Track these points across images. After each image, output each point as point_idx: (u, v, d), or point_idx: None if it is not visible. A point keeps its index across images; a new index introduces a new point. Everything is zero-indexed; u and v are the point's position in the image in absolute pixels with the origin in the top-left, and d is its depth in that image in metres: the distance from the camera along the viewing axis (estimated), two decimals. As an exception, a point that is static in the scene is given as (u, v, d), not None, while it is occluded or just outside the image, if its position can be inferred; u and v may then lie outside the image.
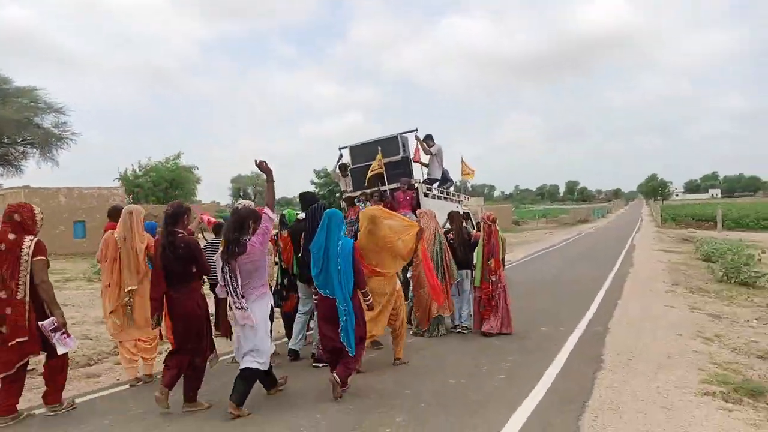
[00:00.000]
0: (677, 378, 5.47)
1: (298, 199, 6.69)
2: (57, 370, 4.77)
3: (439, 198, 10.97)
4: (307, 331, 6.72)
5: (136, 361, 5.61)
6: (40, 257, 4.58)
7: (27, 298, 4.52)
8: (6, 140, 35.13)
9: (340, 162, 11.57)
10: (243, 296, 4.51)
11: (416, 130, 10.99)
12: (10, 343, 4.43)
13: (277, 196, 6.13)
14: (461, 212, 9.81)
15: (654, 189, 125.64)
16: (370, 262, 5.67)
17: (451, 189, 12.02)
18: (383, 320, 5.98)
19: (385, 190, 10.20)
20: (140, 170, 43.00)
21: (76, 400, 5.03)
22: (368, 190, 10.67)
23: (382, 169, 10.06)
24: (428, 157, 11.07)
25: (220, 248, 4.69)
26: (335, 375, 4.87)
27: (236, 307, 4.54)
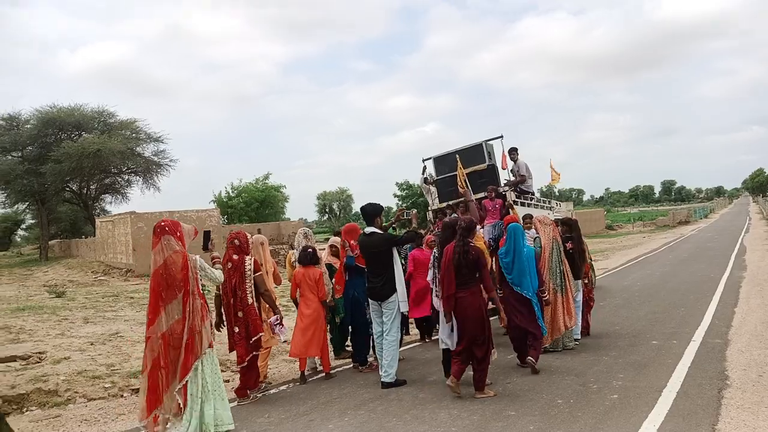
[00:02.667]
0: (820, 397, 4.86)
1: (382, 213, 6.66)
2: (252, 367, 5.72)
3: (529, 205, 10.59)
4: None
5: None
6: (259, 272, 5.72)
7: (256, 303, 5.66)
8: (113, 170, 38.07)
9: (425, 173, 11.48)
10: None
11: (502, 137, 10.72)
12: (252, 339, 5.56)
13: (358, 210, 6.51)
14: (553, 219, 9.39)
15: (761, 184, 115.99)
16: None
17: (536, 195, 11.59)
18: None
19: (472, 200, 9.98)
20: (233, 192, 45.08)
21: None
22: (452, 202, 10.51)
23: (462, 182, 9.86)
24: (516, 166, 10.75)
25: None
26: (531, 358, 6.04)
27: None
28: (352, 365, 6.92)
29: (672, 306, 9.91)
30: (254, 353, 5.63)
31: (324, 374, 6.58)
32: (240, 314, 5.57)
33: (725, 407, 4.69)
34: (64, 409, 5.97)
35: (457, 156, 10.25)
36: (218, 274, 4.92)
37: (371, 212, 6.30)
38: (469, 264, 5.38)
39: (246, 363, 5.59)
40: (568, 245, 7.52)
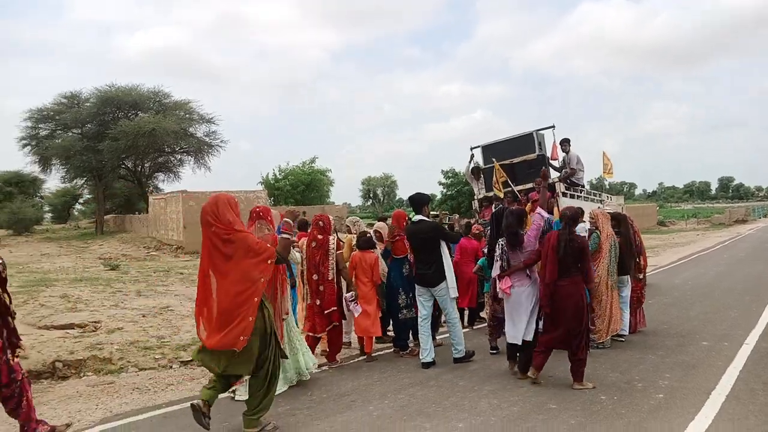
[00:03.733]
0: None
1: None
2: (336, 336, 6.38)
3: (579, 198, 10.37)
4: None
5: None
6: (340, 251, 6.31)
7: (335, 279, 6.23)
8: (167, 149, 39.21)
9: (472, 162, 11.38)
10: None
11: (553, 126, 10.49)
12: (325, 312, 6.16)
13: (404, 196, 6.67)
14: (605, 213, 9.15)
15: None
16: None
17: (586, 187, 11.31)
18: None
19: (520, 191, 9.85)
20: (280, 174, 45.79)
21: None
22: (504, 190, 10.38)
23: (505, 177, 9.71)
24: (568, 158, 10.51)
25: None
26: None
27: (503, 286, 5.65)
28: (392, 349, 6.99)
29: (725, 307, 9.56)
30: (334, 323, 6.28)
31: (366, 356, 6.71)
32: (321, 288, 6.19)
33: (779, 414, 4.52)
34: (117, 376, 6.27)
35: (494, 160, 10.09)
36: (297, 256, 5.78)
37: (419, 201, 6.48)
38: (574, 253, 5.33)
39: (326, 331, 6.30)
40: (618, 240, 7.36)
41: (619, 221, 7.57)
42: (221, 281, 4.06)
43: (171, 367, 6.68)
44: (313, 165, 46.89)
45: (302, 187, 44.33)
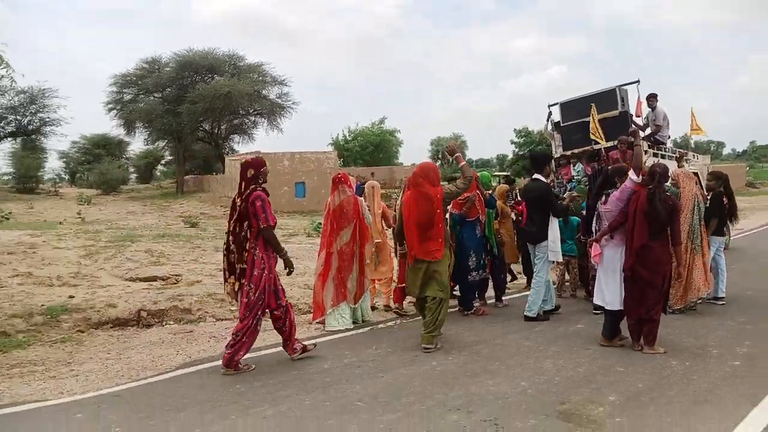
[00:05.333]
0: None
1: (497, 160, 6.70)
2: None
3: (663, 156, 9.84)
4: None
5: (374, 291, 7.33)
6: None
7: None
8: (241, 111, 40.34)
9: (550, 120, 11.01)
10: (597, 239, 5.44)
11: (638, 81, 9.92)
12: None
13: (474, 157, 6.58)
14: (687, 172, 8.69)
15: None
16: None
17: (669, 146, 10.69)
18: None
19: (599, 149, 9.45)
20: (350, 135, 46.19)
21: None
22: (578, 150, 10.03)
23: (597, 131, 9.28)
24: (653, 114, 9.95)
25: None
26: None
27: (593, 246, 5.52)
28: (458, 308, 7.03)
29: (818, 274, 8.93)
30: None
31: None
32: None
33: None
34: (196, 325, 6.68)
35: (592, 104, 9.64)
36: (369, 216, 6.54)
37: (542, 159, 6.74)
38: (665, 214, 5.04)
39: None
40: (724, 200, 7.09)
41: (723, 180, 7.22)
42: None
43: (245, 318, 7.03)
44: (382, 126, 46.96)
45: (371, 148, 44.60)
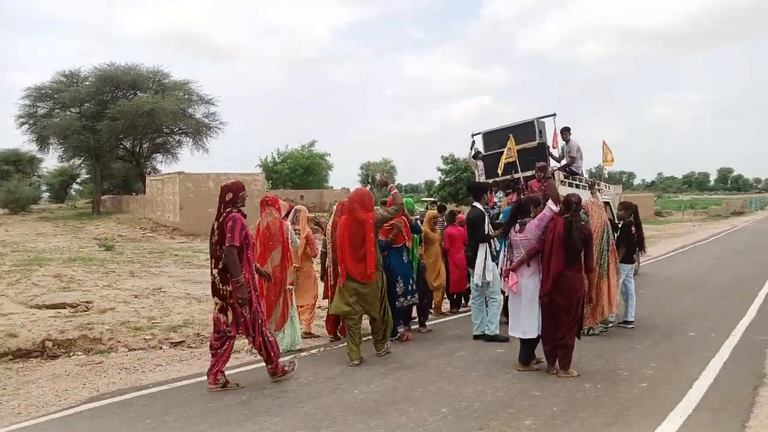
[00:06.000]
0: None
1: (426, 186, 6.97)
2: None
3: (578, 186, 10.36)
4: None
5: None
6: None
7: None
8: (165, 130, 39.00)
9: (473, 148, 11.34)
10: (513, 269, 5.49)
11: (555, 115, 10.44)
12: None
13: (404, 183, 6.71)
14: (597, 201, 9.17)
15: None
16: None
17: (584, 176, 11.29)
18: None
19: (518, 178, 9.82)
20: (278, 157, 45.69)
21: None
22: (500, 179, 10.37)
23: (515, 158, 9.67)
24: (568, 147, 10.48)
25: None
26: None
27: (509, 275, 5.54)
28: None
29: (715, 299, 9.61)
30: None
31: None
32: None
33: (759, 405, 4.55)
34: (107, 356, 6.30)
35: (511, 135, 10.01)
36: (296, 240, 6.74)
37: (478, 189, 7.27)
38: (581, 242, 5.29)
39: None
40: (633, 230, 7.48)
41: (632, 210, 7.68)
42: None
43: (161, 347, 6.72)
44: (312, 149, 46.80)
45: (300, 171, 44.27)
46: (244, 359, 6.14)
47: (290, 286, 6.36)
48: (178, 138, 41.13)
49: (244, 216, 5.07)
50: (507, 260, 5.72)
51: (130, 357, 6.26)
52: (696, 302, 9.30)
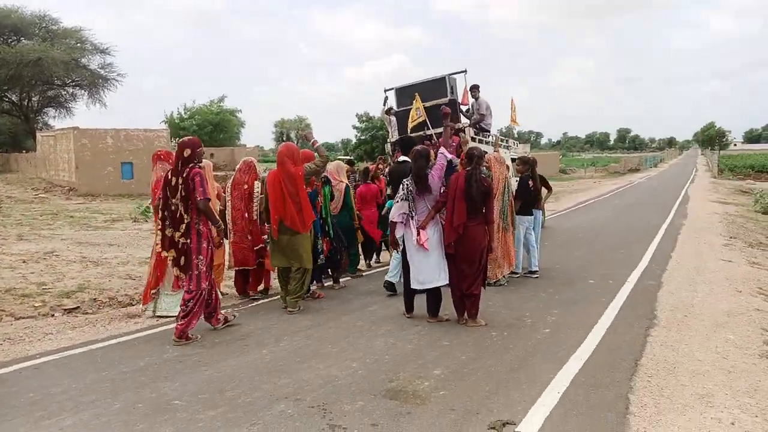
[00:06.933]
0: (738, 338, 5.10)
1: (342, 144, 6.83)
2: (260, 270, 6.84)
3: (487, 143, 10.51)
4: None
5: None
6: (263, 194, 6.35)
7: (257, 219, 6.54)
8: (57, 82, 35.86)
9: (386, 105, 11.19)
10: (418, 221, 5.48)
11: (465, 71, 10.43)
12: (255, 248, 6.53)
13: (320, 140, 6.57)
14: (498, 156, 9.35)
15: (711, 138, 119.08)
16: None
17: (494, 133, 11.48)
18: None
19: (431, 135, 9.80)
20: (186, 113, 43.40)
21: (119, 340, 5.10)
22: (413, 134, 10.30)
23: (424, 117, 9.61)
24: (477, 104, 10.54)
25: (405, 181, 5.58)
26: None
27: (415, 232, 5.45)
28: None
29: (612, 248, 10.21)
30: (260, 259, 6.73)
31: (264, 289, 6.99)
32: (251, 227, 6.55)
33: (650, 344, 4.86)
34: (-13, 326, 5.72)
35: (417, 94, 9.92)
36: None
37: (410, 143, 7.33)
38: (481, 194, 5.34)
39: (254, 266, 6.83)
40: (530, 183, 7.59)
41: (530, 165, 7.80)
42: None
43: (52, 315, 6.20)
44: (221, 105, 44.82)
45: (210, 128, 42.34)
46: (144, 323, 5.77)
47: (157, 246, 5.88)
48: (71, 91, 38.10)
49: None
50: (409, 214, 5.54)
51: (15, 326, 5.72)
52: (595, 252, 9.82)
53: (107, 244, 10.81)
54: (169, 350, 4.82)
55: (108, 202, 21.19)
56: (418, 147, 5.95)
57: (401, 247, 5.71)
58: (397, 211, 5.58)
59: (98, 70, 36.64)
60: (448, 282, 5.49)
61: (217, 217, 5.27)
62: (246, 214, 6.54)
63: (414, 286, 5.61)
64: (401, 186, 5.62)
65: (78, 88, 37.27)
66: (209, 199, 5.06)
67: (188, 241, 5.06)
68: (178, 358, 4.62)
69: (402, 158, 6.96)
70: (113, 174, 24.46)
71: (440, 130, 9.71)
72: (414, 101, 9.70)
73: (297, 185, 5.92)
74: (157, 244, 5.44)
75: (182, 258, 5.07)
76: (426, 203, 5.53)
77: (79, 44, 35.49)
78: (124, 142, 24.96)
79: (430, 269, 5.47)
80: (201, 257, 5.08)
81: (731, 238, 11.63)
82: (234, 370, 4.31)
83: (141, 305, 6.23)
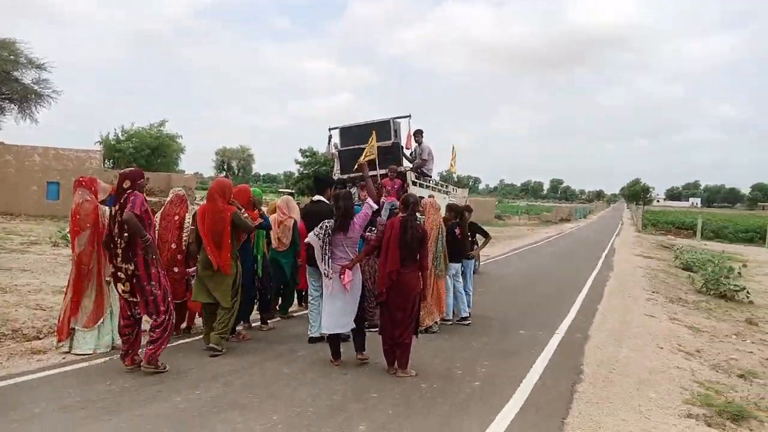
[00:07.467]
0: (659, 396, 5.19)
1: (285, 177, 6.59)
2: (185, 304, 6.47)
3: (428, 188, 10.60)
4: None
5: None
6: (193, 227, 6.14)
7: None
8: (-17, 93, 33.90)
9: (331, 143, 11.16)
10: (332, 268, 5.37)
11: (409, 116, 10.59)
12: (185, 278, 6.26)
13: (262, 172, 6.38)
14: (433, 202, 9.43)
15: (636, 193, 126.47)
16: None
17: (435, 179, 11.64)
18: None
19: (375, 175, 9.79)
20: (123, 135, 41.90)
21: (16, 380, 4.63)
22: (355, 175, 10.27)
23: (375, 155, 9.62)
24: (420, 149, 10.68)
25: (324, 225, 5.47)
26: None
27: (328, 277, 5.38)
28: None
29: (544, 297, 10.40)
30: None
31: (186, 328, 6.69)
32: (179, 257, 6.27)
33: (576, 401, 4.86)
34: None
35: (374, 131, 9.94)
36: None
37: (326, 182, 7.00)
38: (416, 241, 5.30)
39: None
40: (457, 231, 7.61)
41: (457, 212, 7.86)
42: None
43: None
44: (162, 129, 43.58)
45: (147, 152, 40.97)
46: (48, 361, 5.28)
47: (108, 278, 5.58)
48: (0, 104, 35.98)
49: (146, 200, 5.16)
50: (324, 258, 5.44)
51: None
52: (527, 302, 9.95)
53: (20, 270, 10.05)
54: (72, 394, 4.41)
55: (29, 222, 19.91)
56: (341, 191, 6.04)
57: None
58: (313, 239, 5.50)
59: (31, 85, 34.85)
60: (350, 330, 5.53)
61: (144, 231, 4.99)
62: (174, 245, 6.26)
63: (333, 330, 5.49)
64: (320, 227, 5.51)
65: (8, 101, 35.32)
66: (137, 214, 4.91)
67: (133, 267, 4.99)
68: (80, 404, 4.22)
69: (317, 197, 6.75)
70: (37, 193, 23.09)
71: (383, 171, 9.74)
72: (370, 138, 9.70)
73: (223, 223, 5.74)
74: (109, 277, 5.39)
75: (132, 286, 5.01)
76: (345, 248, 5.46)
77: (12, 57, 33.79)
78: (53, 161, 23.69)
79: (339, 314, 5.41)
80: (153, 282, 5.03)
81: (653, 292, 12.09)
82: (142, 420, 3.96)
83: (56, 341, 5.73)
